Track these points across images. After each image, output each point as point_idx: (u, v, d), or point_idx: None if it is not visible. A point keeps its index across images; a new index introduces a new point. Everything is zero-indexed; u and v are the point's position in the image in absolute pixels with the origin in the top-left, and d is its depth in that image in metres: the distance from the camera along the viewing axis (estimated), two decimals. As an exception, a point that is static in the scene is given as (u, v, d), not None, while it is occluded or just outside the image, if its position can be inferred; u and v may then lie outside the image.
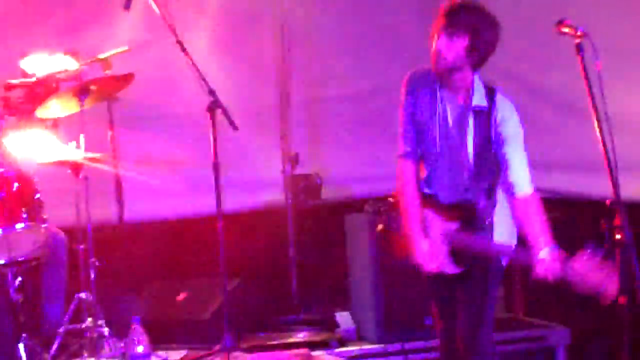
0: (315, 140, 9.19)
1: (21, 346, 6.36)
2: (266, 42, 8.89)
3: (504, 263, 5.36)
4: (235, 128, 6.60)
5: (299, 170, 8.75)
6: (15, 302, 6.62)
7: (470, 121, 5.29)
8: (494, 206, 5.31)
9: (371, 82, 8.87)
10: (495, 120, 5.25)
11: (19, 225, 6.50)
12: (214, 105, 6.55)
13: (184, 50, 6.75)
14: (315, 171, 8.80)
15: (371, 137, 8.89)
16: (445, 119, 5.37)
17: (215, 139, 6.61)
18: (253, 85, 8.80)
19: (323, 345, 7.30)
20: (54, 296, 7.13)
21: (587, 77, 4.60)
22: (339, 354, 7.14)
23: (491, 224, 5.28)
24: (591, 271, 4.76)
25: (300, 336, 7.51)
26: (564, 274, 4.85)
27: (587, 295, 4.76)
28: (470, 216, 5.32)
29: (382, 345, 7.24)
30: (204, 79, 6.64)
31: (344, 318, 7.62)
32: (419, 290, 6.00)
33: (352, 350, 7.24)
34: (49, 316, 7.17)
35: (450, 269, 5.31)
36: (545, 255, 4.96)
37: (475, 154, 5.32)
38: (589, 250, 4.75)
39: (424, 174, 5.49)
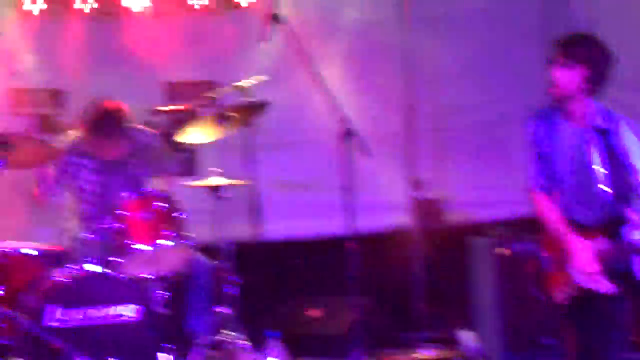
0: (440, 167, 9.21)
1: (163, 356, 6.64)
2: (393, 72, 8.95)
3: None
4: (368, 155, 6.65)
5: (423, 195, 8.98)
6: (162, 315, 6.80)
7: (594, 143, 5.42)
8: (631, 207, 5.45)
9: (494, 112, 9.01)
10: (617, 136, 5.38)
11: (165, 243, 6.76)
12: (347, 132, 6.60)
13: (318, 79, 6.83)
14: (439, 196, 9.05)
15: (493, 164, 9.00)
16: (571, 147, 5.51)
17: (347, 164, 6.61)
18: (381, 112, 8.89)
19: (448, 361, 7.38)
20: (198, 310, 7.29)
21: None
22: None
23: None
24: None
25: (425, 353, 7.60)
26: None
27: None
28: (615, 230, 5.34)
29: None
30: (337, 107, 6.71)
31: (467, 337, 7.61)
32: (538, 313, 6.33)
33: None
34: (190, 327, 7.32)
35: (604, 287, 5.27)
36: None
37: (606, 170, 5.44)
38: None
39: (560, 203, 5.66)
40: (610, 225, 5.38)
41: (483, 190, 9.08)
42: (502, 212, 8.59)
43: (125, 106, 7.46)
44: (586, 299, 5.38)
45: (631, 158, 5.36)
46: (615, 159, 5.42)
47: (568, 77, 5.40)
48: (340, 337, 7.47)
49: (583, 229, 5.49)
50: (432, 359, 7.55)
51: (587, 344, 5.47)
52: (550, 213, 5.62)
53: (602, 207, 5.45)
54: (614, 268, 5.31)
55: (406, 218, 8.97)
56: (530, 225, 7.07)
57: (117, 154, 7.38)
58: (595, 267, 5.33)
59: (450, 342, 7.80)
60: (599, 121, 5.44)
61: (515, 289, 7.12)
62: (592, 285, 5.33)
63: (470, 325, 7.82)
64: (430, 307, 8.49)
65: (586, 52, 5.42)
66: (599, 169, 5.42)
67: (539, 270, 5.80)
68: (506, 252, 7.26)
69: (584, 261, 5.39)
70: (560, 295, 5.56)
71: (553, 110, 5.60)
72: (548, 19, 9.45)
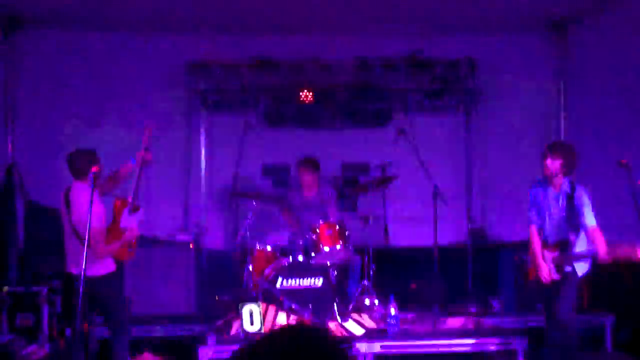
0: (484, 209, 10.16)
1: (335, 305, 7.74)
2: (460, 159, 10.10)
3: (579, 274, 6.53)
4: (445, 203, 8.30)
5: (474, 225, 9.88)
6: (334, 285, 7.98)
7: (562, 199, 6.62)
8: (578, 237, 6.54)
9: (518, 179, 9.19)
10: (576, 198, 6.56)
11: (337, 246, 8.16)
12: (435, 191, 8.36)
13: (421, 163, 8.42)
14: (483, 227, 9.98)
15: (509, 208, 9.58)
16: (548, 200, 6.74)
17: (433, 208, 8.38)
18: (452, 181, 9.88)
19: (484, 314, 8.36)
20: (351, 282, 8.62)
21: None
22: (492, 320, 8.13)
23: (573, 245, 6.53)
24: (625, 247, 6.17)
25: (472, 310, 8.54)
26: (612, 254, 6.22)
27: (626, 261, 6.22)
28: (565, 245, 6.62)
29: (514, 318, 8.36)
30: (430, 177, 8.31)
31: (495, 302, 8.69)
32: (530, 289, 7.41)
33: (499, 318, 8.26)
34: (348, 292, 8.56)
35: (556, 276, 6.61)
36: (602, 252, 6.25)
37: (566, 215, 6.60)
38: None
39: (543, 233, 6.83)
40: (563, 244, 6.66)
41: (507, 224, 9.73)
42: (515, 237, 9.09)
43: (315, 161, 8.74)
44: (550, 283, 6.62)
45: (582, 210, 6.48)
46: (574, 210, 6.56)
47: (553, 164, 6.61)
48: (426, 299, 8.65)
49: (550, 245, 6.71)
50: (473, 313, 8.42)
51: (548, 304, 6.78)
52: (534, 239, 6.81)
53: (561, 233, 6.66)
54: (562, 267, 6.63)
55: (465, 238, 9.74)
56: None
57: (314, 195, 8.81)
58: (547, 270, 6.63)
59: (486, 304, 8.70)
60: (567, 189, 6.58)
61: (521, 279, 8.33)
62: (548, 279, 6.62)
63: (499, 297, 8.83)
64: (475, 285, 9.23)
65: (562, 150, 6.62)
66: (563, 214, 6.63)
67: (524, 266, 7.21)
68: (516, 259, 8.50)
69: (544, 274, 6.64)
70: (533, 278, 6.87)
71: (544, 181, 6.76)
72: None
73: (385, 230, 8.94)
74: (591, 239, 6.50)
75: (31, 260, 8.74)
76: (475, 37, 9.89)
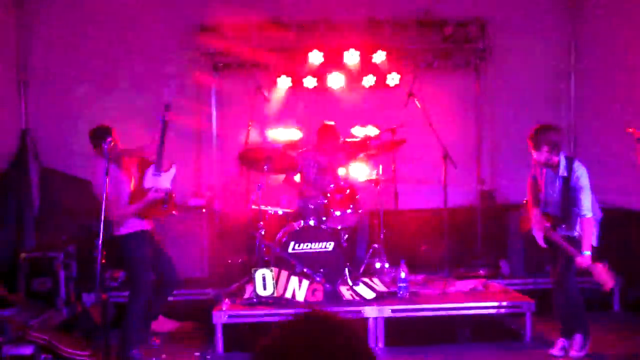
0: (493, 171, 10.05)
1: (346, 269, 7.78)
2: (470, 119, 9.94)
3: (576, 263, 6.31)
4: (455, 167, 8.17)
5: (483, 187, 9.83)
6: (344, 248, 7.97)
7: (558, 181, 6.53)
8: (569, 220, 6.45)
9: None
10: (572, 180, 6.44)
11: (348, 210, 8.07)
12: (446, 154, 8.16)
13: (431, 125, 8.24)
14: (493, 188, 9.88)
15: (518, 169, 8.88)
16: (547, 182, 6.66)
17: (444, 170, 8.29)
18: (462, 142, 9.70)
19: (493, 277, 8.45)
20: (362, 245, 8.61)
21: None
22: (501, 282, 8.22)
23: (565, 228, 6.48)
24: (602, 274, 6.08)
25: (481, 272, 8.68)
26: (591, 269, 6.13)
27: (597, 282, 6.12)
28: (557, 222, 6.57)
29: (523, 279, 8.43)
30: (439, 140, 8.16)
31: (504, 263, 8.81)
32: (538, 252, 7.03)
33: (508, 281, 8.37)
34: (358, 255, 8.58)
35: (542, 244, 6.59)
36: (584, 256, 6.21)
37: (561, 197, 6.53)
38: (604, 263, 6.12)
39: (540, 196, 6.75)
40: (556, 220, 6.58)
41: (516, 185, 8.77)
42: (524, 198, 8.89)
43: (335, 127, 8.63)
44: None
45: (579, 196, 6.35)
46: (568, 192, 6.47)
47: (541, 156, 6.50)
48: (435, 261, 8.67)
49: (546, 215, 6.64)
50: (485, 275, 8.44)
51: (553, 266, 6.78)
52: (530, 190, 6.80)
53: (555, 210, 6.60)
54: (549, 239, 6.57)
55: (475, 200, 9.76)
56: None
57: (327, 160, 8.69)
58: (538, 231, 6.58)
59: (495, 267, 8.76)
60: (563, 171, 6.44)
61: (529, 237, 7.71)
62: (537, 238, 6.59)
63: (508, 259, 8.83)
64: (485, 247, 9.25)
65: (545, 140, 6.44)
66: (557, 196, 6.57)
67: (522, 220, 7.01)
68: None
69: (535, 225, 6.61)
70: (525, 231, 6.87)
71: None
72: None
73: (395, 194, 8.89)
74: (582, 228, 6.41)
75: (46, 225, 8.78)
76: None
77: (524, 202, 6.97)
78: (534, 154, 6.52)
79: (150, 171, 6.68)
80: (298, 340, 2.19)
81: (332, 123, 8.71)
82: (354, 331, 2.26)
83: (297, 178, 8.75)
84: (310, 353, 2.14)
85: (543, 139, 6.46)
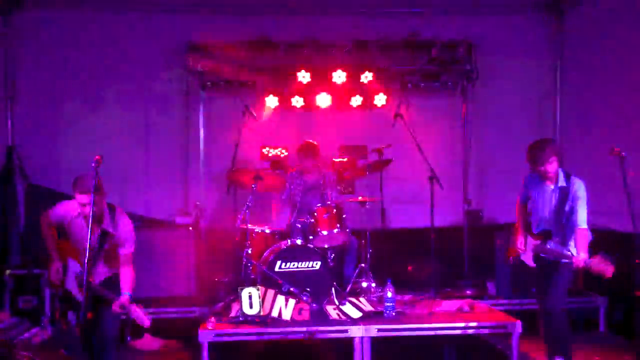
0: (480, 193, 10.06)
1: (332, 288, 7.73)
2: (457, 141, 9.98)
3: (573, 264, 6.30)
4: (441, 187, 8.13)
5: (470, 208, 9.86)
6: (331, 267, 7.93)
7: (555, 194, 6.51)
8: (562, 234, 6.45)
9: (513, 163, 8.81)
10: (571, 190, 6.48)
11: (335, 230, 8.08)
12: (431, 175, 8.14)
13: (417, 145, 8.19)
14: (480, 208, 9.89)
15: (506, 193, 8.90)
16: (543, 193, 6.64)
17: (430, 191, 8.05)
18: (448, 163, 9.75)
19: (480, 297, 8.43)
20: (349, 264, 8.61)
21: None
22: (488, 302, 8.16)
23: (558, 241, 6.47)
24: (600, 265, 6.03)
25: (468, 292, 8.68)
26: (588, 265, 6.10)
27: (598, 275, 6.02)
28: (547, 236, 6.59)
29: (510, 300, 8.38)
30: (426, 161, 8.11)
31: (491, 284, 8.78)
32: (525, 272, 7.18)
33: (495, 301, 8.32)
34: (345, 275, 8.55)
35: (531, 264, 6.66)
36: (579, 256, 6.22)
37: (556, 211, 6.52)
38: (600, 254, 6.11)
39: (531, 219, 6.77)
40: (547, 234, 6.61)
41: (503, 205, 9.11)
42: (512, 218, 8.40)
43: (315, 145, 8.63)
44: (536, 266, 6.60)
45: (576, 208, 6.38)
46: (567, 205, 6.47)
47: (552, 166, 6.50)
48: (422, 281, 8.60)
49: (535, 234, 6.68)
50: (471, 295, 8.43)
51: (539, 288, 6.76)
52: (519, 212, 6.83)
53: (547, 225, 6.62)
54: (538, 255, 6.61)
55: (462, 220, 9.79)
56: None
57: (314, 179, 8.73)
58: (528, 253, 6.62)
59: (482, 286, 8.77)
60: (562, 182, 6.47)
61: (516, 260, 7.49)
62: (526, 261, 6.66)
63: (493, 279, 8.79)
64: (471, 267, 9.29)
65: (553, 151, 6.49)
66: (554, 209, 6.55)
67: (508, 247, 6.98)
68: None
69: (521, 247, 6.67)
70: (511, 259, 6.86)
71: (538, 176, 6.65)
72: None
73: (382, 213, 8.86)
74: (576, 239, 6.40)
75: (32, 243, 8.70)
76: (472, 19, 9.89)
77: (514, 227, 6.97)
78: (547, 167, 6.49)
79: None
80: None
81: (313, 141, 8.77)
82: None
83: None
84: None
85: (551, 151, 6.49)
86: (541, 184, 6.67)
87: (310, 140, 8.80)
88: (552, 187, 6.58)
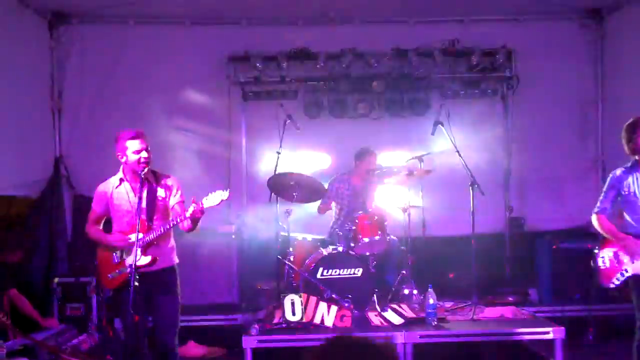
0: (522, 199, 10.07)
1: (374, 295, 7.81)
2: (499, 148, 9.94)
3: None
4: (482, 194, 8.02)
5: (512, 215, 9.92)
6: (373, 274, 8.02)
7: None
8: None
9: (553, 171, 9.83)
10: None
11: (377, 237, 8.18)
12: (473, 182, 8.04)
13: (459, 154, 8.12)
14: (521, 215, 9.92)
15: (550, 199, 9.84)
16: None
17: (472, 199, 7.98)
18: (490, 171, 9.67)
19: (522, 304, 8.43)
20: (390, 271, 8.71)
21: None
22: (530, 309, 8.14)
23: None
24: None
25: (511, 299, 8.70)
26: None
27: None
28: None
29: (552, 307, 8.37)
30: (467, 168, 8.07)
31: (533, 291, 8.84)
32: (568, 279, 7.63)
33: (537, 308, 8.30)
34: (387, 282, 8.61)
35: None
36: None
37: None
38: None
39: (630, 219, 5.95)
40: None
41: (545, 213, 9.82)
42: (553, 226, 9.55)
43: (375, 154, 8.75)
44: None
45: None
46: None
47: None
48: (463, 288, 8.61)
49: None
50: (515, 302, 8.43)
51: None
52: (606, 225, 5.97)
53: None
54: None
55: (503, 227, 9.89)
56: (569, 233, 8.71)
57: (361, 186, 8.83)
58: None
59: (525, 294, 8.79)
60: None
61: (559, 268, 8.52)
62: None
63: (535, 286, 8.88)
64: (513, 275, 9.39)
65: None
66: None
67: (596, 266, 6.13)
68: (554, 247, 8.49)
69: (632, 249, 5.75)
70: (611, 283, 6.01)
71: (632, 166, 5.92)
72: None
73: (424, 221, 8.85)
74: None
75: (79, 251, 8.91)
76: (512, 26, 9.92)
77: (598, 247, 6.22)
78: None
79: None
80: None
81: (373, 150, 8.91)
82: (383, 354, 2.32)
83: (333, 206, 8.90)
84: None
85: None
86: (638, 176, 5.94)
87: (369, 148, 8.96)
88: None
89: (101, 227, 6.18)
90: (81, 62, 9.66)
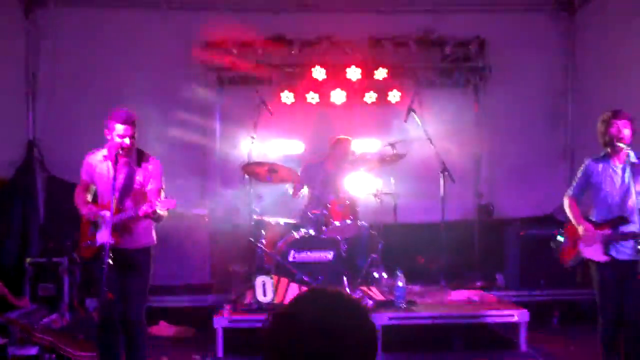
0: (492, 186, 10.15)
1: (345, 277, 7.83)
2: (470, 134, 9.98)
3: None
4: (453, 181, 8.27)
5: (481, 202, 10.04)
6: (344, 257, 8.07)
7: (627, 170, 5.79)
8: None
9: (524, 157, 9.87)
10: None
11: (348, 221, 8.25)
12: (443, 168, 8.25)
13: (431, 142, 8.36)
14: (490, 203, 10.00)
15: (520, 186, 9.87)
16: (610, 174, 5.88)
17: (444, 188, 8.17)
18: (461, 157, 9.68)
19: (489, 289, 8.56)
20: (360, 255, 8.70)
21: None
22: (497, 294, 8.30)
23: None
24: None
25: (479, 284, 8.82)
26: None
27: None
28: (620, 222, 5.78)
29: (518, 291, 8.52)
30: (438, 154, 8.27)
31: (500, 276, 8.96)
32: (534, 265, 7.68)
33: (504, 292, 8.48)
34: (357, 265, 8.63)
35: (603, 258, 5.80)
36: None
37: (628, 189, 5.79)
38: None
39: (592, 210, 6.01)
40: (618, 221, 5.81)
41: (513, 200, 9.88)
42: (521, 213, 9.62)
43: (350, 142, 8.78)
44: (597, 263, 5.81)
45: None
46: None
47: (628, 133, 5.83)
48: (432, 273, 8.81)
49: (601, 224, 5.89)
50: (481, 286, 8.53)
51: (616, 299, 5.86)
52: (574, 211, 6.01)
53: (618, 211, 5.85)
54: (619, 239, 5.75)
55: (473, 215, 9.98)
56: (537, 221, 8.78)
57: (333, 171, 8.82)
58: (598, 247, 5.79)
59: (491, 278, 8.90)
60: (635, 159, 5.74)
61: (527, 254, 8.59)
62: (594, 257, 5.84)
63: (502, 271, 9.00)
64: (481, 260, 9.42)
65: (628, 117, 5.88)
66: (632, 188, 5.81)
67: (557, 247, 6.26)
68: (522, 234, 8.55)
69: (587, 238, 5.81)
70: (569, 263, 6.15)
71: (604, 156, 5.94)
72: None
73: (395, 207, 8.97)
74: None
75: (51, 232, 8.95)
76: (485, 16, 10.04)
77: (566, 227, 6.27)
78: (620, 125, 5.86)
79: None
80: (310, 308, 2.41)
81: (349, 137, 8.94)
82: (359, 306, 2.50)
83: (305, 191, 8.93)
84: (320, 318, 2.37)
85: (628, 117, 5.94)
86: (608, 164, 5.98)
87: (345, 136, 9.01)
88: (621, 166, 5.88)
89: (90, 196, 6.19)
90: (56, 45, 9.66)
